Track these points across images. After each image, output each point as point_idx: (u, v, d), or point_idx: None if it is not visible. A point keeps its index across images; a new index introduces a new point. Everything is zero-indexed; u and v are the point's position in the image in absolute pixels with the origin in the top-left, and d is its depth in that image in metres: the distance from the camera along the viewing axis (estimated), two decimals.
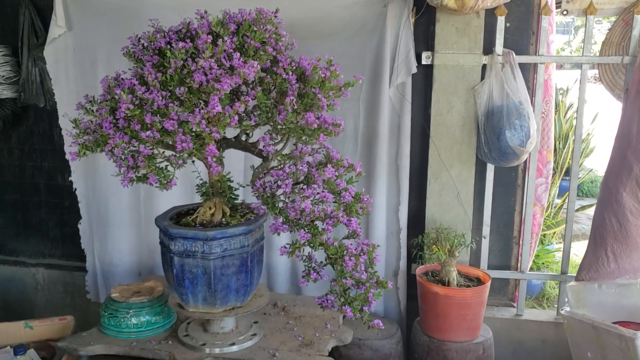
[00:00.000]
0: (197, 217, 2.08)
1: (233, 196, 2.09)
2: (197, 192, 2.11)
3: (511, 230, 3.04)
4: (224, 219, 2.07)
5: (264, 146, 1.93)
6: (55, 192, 3.54)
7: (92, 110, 1.86)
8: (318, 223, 1.89)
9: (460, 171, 2.79)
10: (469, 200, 2.83)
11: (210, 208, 2.09)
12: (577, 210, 4.99)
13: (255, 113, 1.96)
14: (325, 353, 2.16)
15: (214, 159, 1.76)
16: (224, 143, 2.10)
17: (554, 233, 4.69)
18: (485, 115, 2.63)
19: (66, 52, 3.13)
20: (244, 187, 2.14)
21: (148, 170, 1.76)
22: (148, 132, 1.70)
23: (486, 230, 2.93)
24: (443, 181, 2.82)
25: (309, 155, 1.96)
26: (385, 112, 2.87)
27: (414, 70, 2.78)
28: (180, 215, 2.18)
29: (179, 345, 2.19)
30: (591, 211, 4.71)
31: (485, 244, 2.95)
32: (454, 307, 2.51)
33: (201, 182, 2.10)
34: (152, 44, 1.87)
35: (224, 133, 1.76)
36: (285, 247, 1.90)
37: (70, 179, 3.34)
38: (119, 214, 3.32)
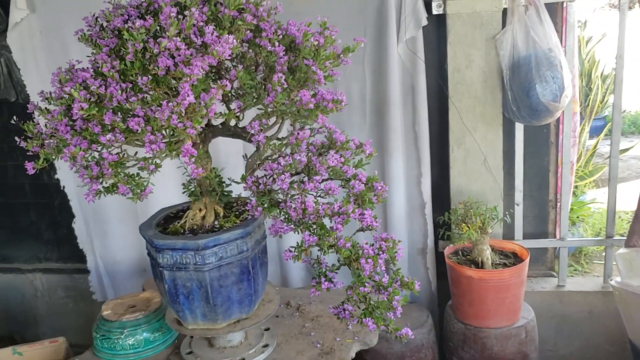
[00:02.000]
0: (186, 221, 1.81)
1: (225, 193, 1.81)
2: (184, 192, 1.85)
3: (546, 193, 2.75)
4: (217, 222, 1.80)
5: (253, 134, 1.65)
6: (43, 191, 3.31)
7: (47, 110, 1.58)
8: (325, 220, 1.62)
9: (486, 134, 2.49)
10: (498, 166, 2.53)
11: (200, 210, 1.83)
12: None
13: (240, 95, 1.68)
14: None
15: (193, 160, 1.48)
16: (209, 132, 1.83)
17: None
18: (510, 68, 2.31)
19: (32, 36, 2.83)
20: (238, 183, 1.86)
21: (116, 180, 1.48)
22: (109, 135, 1.43)
23: (519, 196, 2.64)
24: (467, 147, 2.53)
25: (308, 141, 1.68)
26: (395, 74, 2.56)
27: (424, 22, 2.46)
28: (168, 220, 1.92)
29: None
30: (629, 154, 4.38)
31: (518, 212, 2.67)
32: (490, 291, 2.25)
33: (188, 179, 1.83)
34: (110, 23, 1.57)
35: (202, 127, 1.47)
36: (289, 251, 1.64)
37: (56, 176, 3.10)
38: (116, 208, 3.09)
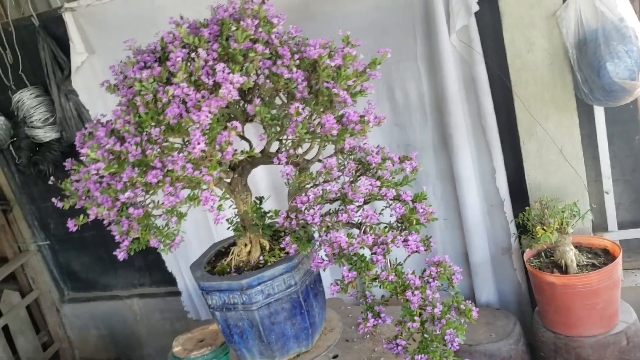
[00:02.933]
0: (232, 259, 1.77)
1: (270, 226, 1.75)
2: (228, 228, 1.81)
3: None
4: (262, 257, 1.74)
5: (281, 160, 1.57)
6: None
7: (77, 169, 1.59)
8: (365, 252, 1.51)
9: (560, 121, 2.24)
10: (578, 154, 2.27)
11: (245, 245, 1.78)
12: None
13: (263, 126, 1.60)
14: None
15: (214, 206, 1.42)
16: (247, 163, 1.77)
17: None
18: (576, 46, 2.05)
19: (95, 78, 2.93)
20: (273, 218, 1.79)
21: (142, 235, 1.46)
22: (128, 193, 1.40)
23: (607, 183, 2.36)
24: (539, 137, 2.29)
25: (339, 167, 1.57)
26: (451, 67, 2.37)
27: (475, 7, 2.24)
28: (219, 255, 1.89)
29: None
30: None
31: (609, 201, 2.39)
32: (577, 298, 2.03)
33: (235, 213, 1.79)
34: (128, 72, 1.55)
35: (219, 172, 1.41)
36: (335, 284, 1.55)
37: None
38: (192, 231, 3.14)
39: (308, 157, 1.71)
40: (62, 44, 2.95)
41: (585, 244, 2.23)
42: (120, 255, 1.50)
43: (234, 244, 1.94)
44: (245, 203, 1.75)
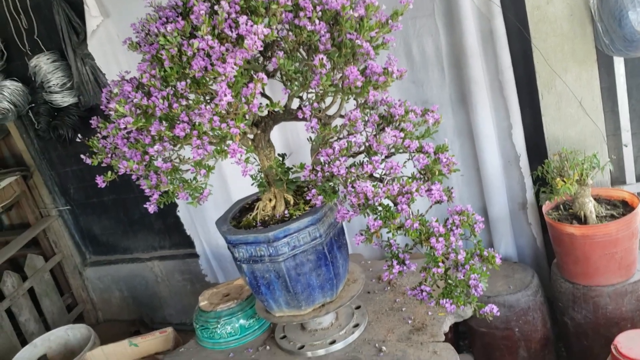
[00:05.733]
0: (257, 213, 1.80)
1: (293, 181, 1.77)
2: (252, 184, 1.83)
3: None
4: (287, 211, 1.77)
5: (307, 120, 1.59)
6: None
7: (104, 125, 1.61)
8: (389, 202, 1.53)
9: (579, 73, 2.23)
10: (597, 107, 2.26)
11: (270, 200, 1.80)
12: None
13: (285, 82, 1.61)
14: (441, 338, 1.84)
15: (241, 159, 1.44)
16: (270, 119, 1.78)
17: None
18: None
19: (111, 41, 2.93)
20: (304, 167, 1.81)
21: (171, 188, 1.49)
22: (157, 146, 1.42)
23: (626, 136, 2.36)
24: (558, 90, 2.28)
25: (363, 119, 1.58)
26: (469, 21, 2.35)
27: None
28: (244, 212, 1.92)
29: (278, 350, 1.99)
30: None
31: (628, 154, 2.39)
32: (596, 248, 2.05)
33: (257, 169, 1.81)
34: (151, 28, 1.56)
35: (246, 125, 1.42)
36: (360, 234, 1.58)
37: None
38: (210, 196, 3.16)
39: (329, 112, 1.72)
40: (77, 7, 2.95)
41: (604, 196, 2.24)
42: (151, 208, 1.54)
43: (258, 200, 1.98)
44: (269, 159, 1.77)
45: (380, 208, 1.54)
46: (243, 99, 1.41)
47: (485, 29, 2.40)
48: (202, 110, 1.37)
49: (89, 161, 1.62)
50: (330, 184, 1.58)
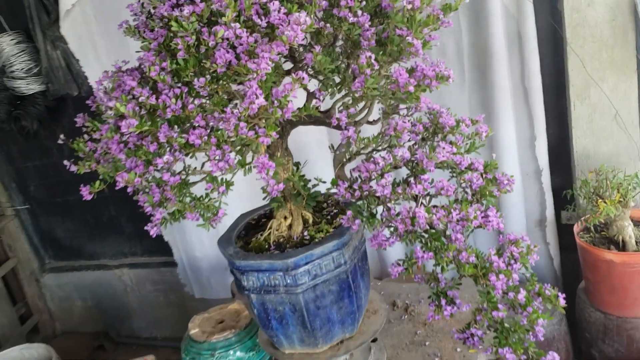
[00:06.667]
0: (270, 233, 1.56)
1: (313, 197, 1.54)
2: (264, 199, 1.59)
3: None
4: (306, 233, 1.53)
5: (342, 128, 1.36)
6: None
7: (96, 126, 1.34)
8: (439, 228, 1.31)
9: (617, 84, 2.06)
10: (634, 121, 2.11)
11: (285, 218, 1.56)
12: None
13: (319, 82, 1.38)
14: None
15: (269, 173, 1.20)
16: (287, 123, 1.54)
17: None
18: None
19: (88, 23, 2.63)
20: (324, 182, 1.57)
21: (180, 206, 1.23)
22: (166, 156, 1.17)
23: None
24: (592, 101, 2.11)
25: (409, 130, 1.35)
26: (496, 20, 2.16)
27: None
28: (250, 229, 1.67)
29: None
30: None
31: None
32: (637, 277, 1.89)
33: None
34: (156, 10, 1.29)
35: (280, 135, 1.18)
36: (397, 264, 1.36)
37: None
38: None
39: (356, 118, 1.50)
40: None
41: (636, 218, 2.08)
42: (153, 231, 1.28)
43: (265, 215, 1.74)
44: (287, 170, 1.53)
45: (426, 235, 1.32)
46: (275, 101, 1.16)
47: (512, 31, 2.21)
48: (228, 114, 1.13)
49: (73, 168, 1.36)
50: (367, 206, 1.35)
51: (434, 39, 1.39)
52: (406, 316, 1.96)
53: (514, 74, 2.26)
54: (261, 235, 1.59)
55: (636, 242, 1.95)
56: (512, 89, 2.27)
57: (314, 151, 2.45)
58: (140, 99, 1.15)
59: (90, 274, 3.47)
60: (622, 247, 1.95)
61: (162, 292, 3.37)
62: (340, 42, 1.40)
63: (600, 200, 1.85)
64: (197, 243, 2.95)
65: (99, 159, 1.35)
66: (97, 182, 1.34)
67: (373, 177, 1.32)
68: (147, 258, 3.34)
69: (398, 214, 1.30)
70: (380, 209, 1.36)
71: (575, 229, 2.08)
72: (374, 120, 1.55)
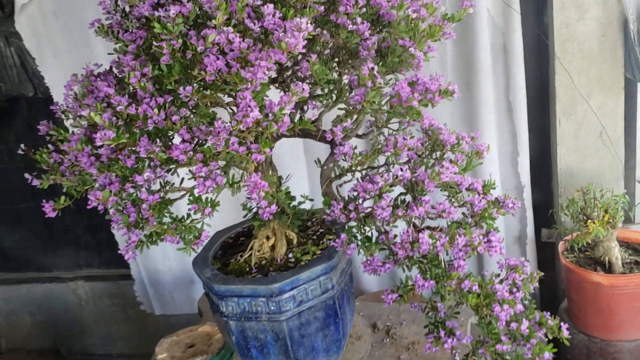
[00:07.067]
0: (251, 254, 1.45)
1: (299, 215, 1.43)
2: (245, 217, 1.48)
3: None
4: (291, 253, 1.43)
5: (336, 144, 1.26)
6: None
7: (63, 135, 1.21)
8: (441, 254, 1.23)
9: (604, 101, 2.04)
10: (619, 139, 2.09)
11: (267, 238, 1.45)
12: None
13: (314, 94, 1.28)
14: None
15: (262, 194, 1.09)
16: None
17: None
18: (639, 17, 1.82)
19: (45, 20, 2.45)
20: (312, 200, 1.48)
21: (159, 228, 1.11)
22: (147, 173, 1.05)
23: None
24: (579, 118, 2.08)
25: (407, 147, 1.27)
26: (483, 32, 2.11)
27: None
28: (227, 249, 1.56)
29: None
30: None
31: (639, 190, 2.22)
32: (624, 300, 1.85)
33: (248, 197, 1.44)
34: (134, 9, 1.17)
35: (271, 150, 1.08)
36: (390, 292, 1.28)
37: None
38: None
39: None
40: None
41: (621, 239, 2.06)
42: (128, 255, 1.16)
43: (244, 233, 1.63)
44: (272, 185, 1.42)
45: (425, 261, 1.24)
46: (270, 114, 1.06)
47: (497, 43, 2.17)
48: (218, 127, 1.02)
49: (36, 182, 1.22)
50: (362, 229, 1.26)
51: (432, 50, 1.32)
52: (388, 339, 1.87)
53: (499, 87, 2.21)
54: (241, 256, 1.48)
55: (622, 264, 1.92)
56: (495, 103, 2.22)
57: (289, 164, 2.35)
58: (118, 108, 1.03)
59: (41, 287, 3.26)
60: (608, 268, 1.92)
61: (119, 307, 3.20)
62: (327, 51, 1.31)
63: (589, 220, 1.81)
64: (160, 255, 2.80)
65: (64, 171, 1.22)
66: (63, 198, 1.22)
67: (369, 197, 1.23)
68: (104, 270, 3.16)
69: (396, 237, 1.22)
70: (374, 231, 1.28)
71: (560, 248, 2.04)
72: (363, 134, 1.47)
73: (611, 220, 1.82)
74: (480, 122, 2.21)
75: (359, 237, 1.25)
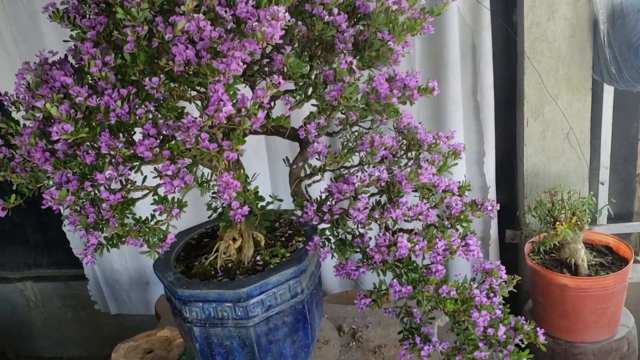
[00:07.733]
0: (216, 257, 1.38)
1: (267, 216, 1.37)
2: (210, 217, 1.41)
3: (633, 166, 2.32)
4: (258, 256, 1.37)
5: (309, 142, 1.21)
6: None
7: (14, 128, 1.11)
8: (416, 259, 1.19)
9: (571, 101, 2.04)
10: (585, 140, 2.09)
11: (234, 240, 1.38)
12: None
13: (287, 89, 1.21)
14: None
15: (234, 194, 1.02)
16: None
17: None
18: (610, 18, 1.83)
19: None
20: (281, 201, 1.41)
21: (122, 232, 1.03)
22: (109, 171, 0.97)
23: (604, 174, 2.22)
24: (546, 118, 2.07)
25: (384, 146, 1.22)
26: (452, 30, 2.08)
27: None
28: (190, 250, 1.48)
29: None
30: None
31: (603, 193, 2.25)
32: (589, 302, 1.86)
33: (212, 196, 1.37)
34: None
35: (243, 150, 1.01)
36: (364, 296, 1.23)
37: None
38: None
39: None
40: None
41: (586, 240, 2.06)
42: (87, 259, 1.06)
43: (208, 234, 1.55)
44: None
45: (400, 265, 1.20)
46: (243, 110, 0.99)
47: (466, 42, 2.14)
48: (188, 122, 0.94)
49: None
50: (336, 231, 1.20)
51: (409, 45, 1.27)
52: (354, 343, 1.82)
53: (466, 86, 2.19)
54: (206, 258, 1.40)
55: (588, 266, 1.92)
56: (463, 102, 2.20)
57: (252, 161, 2.28)
58: (77, 100, 0.94)
59: None
60: (574, 270, 1.92)
61: (71, 308, 3.06)
62: (296, 44, 1.24)
63: (557, 222, 1.80)
64: (116, 254, 2.69)
65: (15, 167, 1.12)
66: (13, 196, 1.12)
67: (344, 198, 1.18)
68: (55, 270, 3.01)
69: (370, 239, 1.17)
70: (347, 234, 1.23)
71: (526, 249, 2.03)
72: (334, 132, 1.41)
73: (578, 222, 1.82)
74: (447, 121, 2.19)
75: (332, 240, 1.19)
